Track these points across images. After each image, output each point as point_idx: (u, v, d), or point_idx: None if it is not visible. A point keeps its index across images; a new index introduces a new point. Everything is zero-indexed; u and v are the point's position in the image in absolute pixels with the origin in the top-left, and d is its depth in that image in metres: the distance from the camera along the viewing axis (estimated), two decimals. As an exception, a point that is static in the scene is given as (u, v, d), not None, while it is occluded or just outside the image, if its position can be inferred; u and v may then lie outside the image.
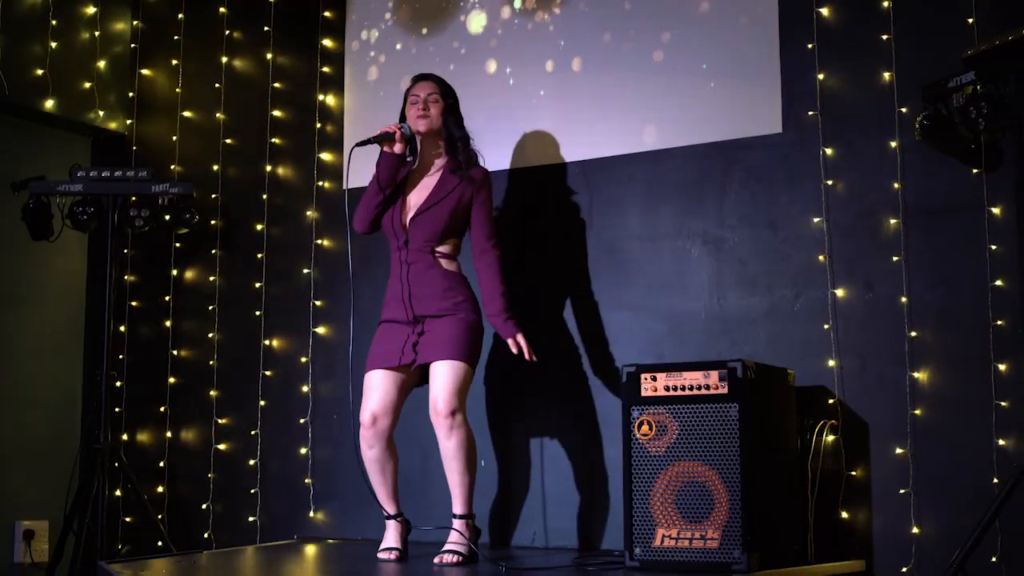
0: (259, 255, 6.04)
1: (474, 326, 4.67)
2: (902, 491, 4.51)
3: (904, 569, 4.47)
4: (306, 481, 5.77)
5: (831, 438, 4.62)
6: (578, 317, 5.23)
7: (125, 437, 6.24)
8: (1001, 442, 4.35)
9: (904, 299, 4.60)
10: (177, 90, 6.41)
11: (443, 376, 4.55)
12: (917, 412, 4.54)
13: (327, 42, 6.00)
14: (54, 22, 6.20)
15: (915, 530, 4.47)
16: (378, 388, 4.67)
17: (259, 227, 6.05)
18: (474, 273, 4.78)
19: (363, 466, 4.71)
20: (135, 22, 6.59)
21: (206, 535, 5.96)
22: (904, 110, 4.65)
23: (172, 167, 6.32)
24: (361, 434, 4.69)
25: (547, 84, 5.44)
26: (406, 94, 4.87)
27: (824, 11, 4.85)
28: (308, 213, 5.95)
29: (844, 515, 4.59)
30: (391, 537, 4.70)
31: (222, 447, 6.02)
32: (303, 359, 5.87)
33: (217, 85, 6.27)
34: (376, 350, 4.72)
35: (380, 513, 4.86)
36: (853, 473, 4.61)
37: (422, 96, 4.78)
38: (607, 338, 5.15)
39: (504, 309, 4.69)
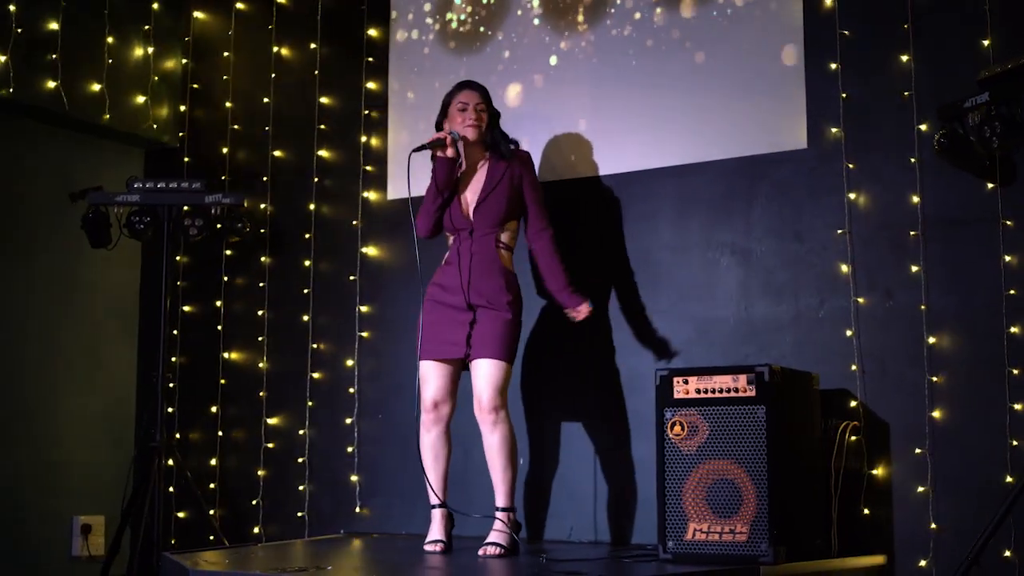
0: (306, 262, 6.24)
1: (517, 326, 4.90)
2: (921, 489, 4.67)
3: (923, 563, 4.62)
4: (352, 478, 5.97)
5: (854, 438, 4.76)
6: (612, 323, 5.39)
7: (178, 436, 6.45)
8: (1014, 442, 4.50)
9: (923, 307, 4.75)
10: (227, 104, 6.61)
11: (487, 374, 4.78)
12: (935, 414, 4.69)
13: (371, 58, 6.20)
14: (110, 40, 6.42)
15: (933, 526, 4.62)
16: (435, 377, 4.90)
17: (306, 235, 6.26)
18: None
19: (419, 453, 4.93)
20: (186, 39, 6.79)
21: (256, 529, 6.17)
22: (923, 127, 4.79)
23: (222, 178, 6.52)
24: (422, 419, 4.92)
25: (585, 100, 5.61)
26: (448, 99, 5.06)
27: (847, 32, 5.00)
28: (353, 222, 6.14)
29: (866, 511, 4.74)
30: (436, 530, 4.91)
31: (271, 446, 6.23)
32: (349, 362, 6.06)
33: (266, 100, 6.47)
34: (429, 338, 4.91)
35: (423, 509, 5.05)
36: (874, 472, 4.77)
37: (471, 104, 4.98)
38: (639, 343, 5.32)
39: (567, 283, 4.94)
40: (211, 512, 6.13)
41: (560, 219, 5.48)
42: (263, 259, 6.39)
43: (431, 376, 4.92)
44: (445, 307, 4.92)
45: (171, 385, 6.47)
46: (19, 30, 6.00)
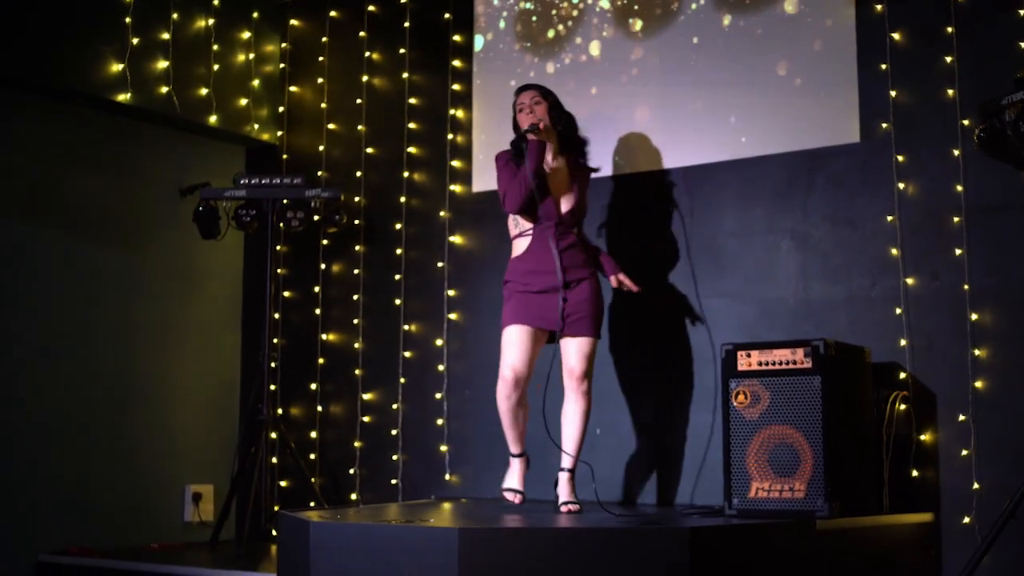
0: (398, 251, 6.63)
1: (601, 298, 5.25)
2: (965, 452, 5.00)
3: (967, 519, 4.95)
4: (442, 448, 6.36)
5: (903, 407, 5.09)
6: (683, 303, 5.72)
7: (280, 411, 6.88)
8: (1050, 408, 4.84)
9: (966, 286, 5.07)
10: (322, 105, 7.03)
11: (581, 347, 5.13)
12: (977, 384, 5.01)
13: (456, 62, 6.60)
14: (215, 47, 6.89)
15: (976, 486, 4.95)
16: (522, 343, 5.13)
17: (398, 226, 6.65)
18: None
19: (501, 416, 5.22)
20: (284, 45, 7.23)
21: (353, 496, 6.60)
22: (966, 122, 5.09)
23: (319, 174, 6.94)
24: (500, 387, 5.14)
25: (655, 100, 5.96)
26: (514, 105, 5.38)
27: (896, 36, 5.33)
28: (441, 213, 6.53)
29: (915, 473, 5.07)
30: (515, 479, 5.28)
31: (367, 419, 6.64)
32: (438, 342, 6.45)
33: (359, 101, 6.88)
34: (526, 309, 5.14)
35: (507, 476, 5.47)
36: (922, 437, 5.09)
37: (527, 102, 5.31)
38: (708, 321, 5.65)
39: (605, 254, 5.45)
40: (312, 480, 6.54)
41: (634, 208, 5.90)
42: (358, 248, 6.79)
43: (517, 341, 5.14)
44: (534, 290, 5.16)
45: (273, 364, 6.84)
46: (135, 41, 6.50)
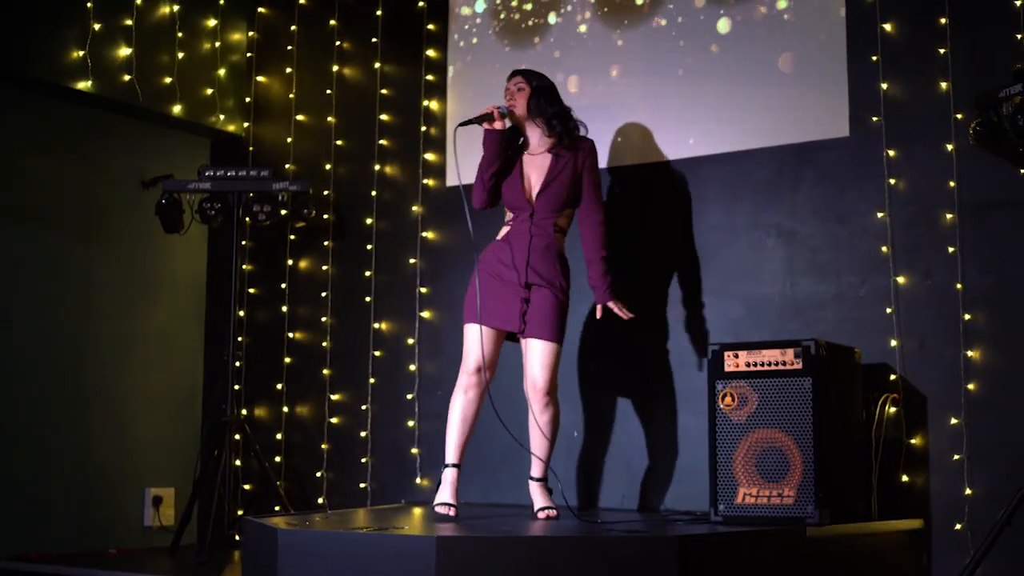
0: (368, 246, 6.48)
1: (567, 308, 5.02)
2: (956, 457, 4.87)
3: (958, 527, 4.83)
4: (413, 451, 6.21)
5: (893, 410, 4.98)
6: (665, 302, 5.59)
7: (244, 412, 6.71)
8: (1045, 412, 4.73)
9: (959, 285, 4.94)
10: (291, 96, 6.87)
11: (542, 355, 4.92)
12: (970, 386, 4.89)
13: (431, 52, 6.44)
14: (180, 34, 6.70)
15: (968, 492, 4.83)
16: (483, 343, 4.94)
17: (368, 221, 6.50)
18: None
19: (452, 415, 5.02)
20: (251, 33, 7.06)
21: (320, 500, 6.43)
22: (959, 116, 4.98)
23: (287, 166, 6.78)
24: (461, 381, 4.97)
25: (638, 92, 5.84)
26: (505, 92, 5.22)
27: (887, 27, 5.21)
28: (414, 208, 6.39)
29: (904, 478, 4.95)
30: (449, 492, 4.93)
31: (335, 421, 6.49)
32: (410, 341, 6.30)
33: (328, 91, 6.72)
34: (484, 305, 4.96)
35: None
36: (912, 441, 4.97)
37: (512, 89, 5.14)
38: (691, 320, 5.50)
39: (602, 275, 5.04)
40: (277, 484, 6.38)
41: (616, 204, 5.74)
42: (327, 243, 6.63)
43: (479, 341, 4.95)
44: (502, 280, 5.00)
45: (237, 364, 6.66)
46: (96, 26, 6.30)
